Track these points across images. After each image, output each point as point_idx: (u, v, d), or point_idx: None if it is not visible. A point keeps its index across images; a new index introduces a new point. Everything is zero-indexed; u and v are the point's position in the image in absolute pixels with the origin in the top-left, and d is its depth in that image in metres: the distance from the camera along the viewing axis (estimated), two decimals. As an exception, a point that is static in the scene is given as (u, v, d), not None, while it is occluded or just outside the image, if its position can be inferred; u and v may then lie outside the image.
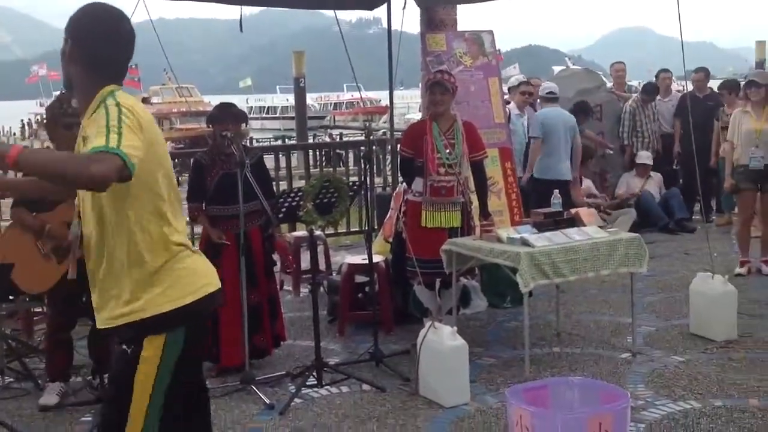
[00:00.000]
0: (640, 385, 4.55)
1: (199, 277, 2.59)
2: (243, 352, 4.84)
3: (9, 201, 5.47)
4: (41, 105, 52.43)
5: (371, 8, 7.68)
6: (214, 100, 41.42)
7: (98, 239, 2.50)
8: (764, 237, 6.98)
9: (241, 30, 7.11)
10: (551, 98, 8.03)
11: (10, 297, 5.04)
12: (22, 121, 52.06)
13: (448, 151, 5.23)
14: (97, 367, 4.76)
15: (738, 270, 6.86)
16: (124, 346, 2.51)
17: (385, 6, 7.69)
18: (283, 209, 4.94)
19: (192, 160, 5.22)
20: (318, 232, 7.05)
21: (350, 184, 5.32)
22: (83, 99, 2.52)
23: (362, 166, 5.44)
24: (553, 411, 3.17)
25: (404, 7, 7.59)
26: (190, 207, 5.04)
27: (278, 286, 7.07)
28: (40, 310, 5.76)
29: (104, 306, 2.55)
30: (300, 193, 4.87)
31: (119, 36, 2.53)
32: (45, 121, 4.78)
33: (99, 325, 2.60)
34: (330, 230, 5.30)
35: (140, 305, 2.47)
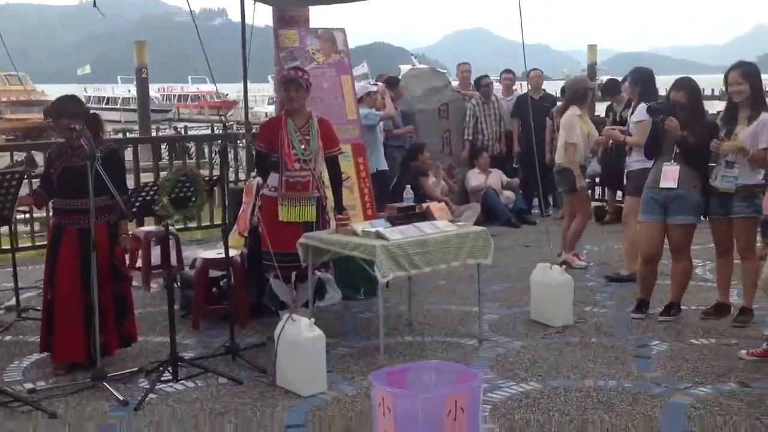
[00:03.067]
0: (486, 369, 4.81)
1: None
2: (84, 350, 4.79)
3: None
4: None
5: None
6: (48, 89, 39.49)
7: None
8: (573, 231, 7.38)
9: (95, 5, 6.81)
10: None
11: None
12: None
13: (303, 146, 5.31)
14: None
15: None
16: None
17: (230, -2, 7.65)
18: (138, 203, 4.87)
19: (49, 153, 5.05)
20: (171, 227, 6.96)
21: (206, 178, 5.30)
22: None
23: (220, 159, 5.40)
24: (412, 391, 3.35)
25: (255, 3, 7.60)
26: (35, 192, 4.91)
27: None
28: None
29: None
30: (155, 188, 4.81)
31: None
32: None
33: None
34: (180, 225, 5.26)
35: None
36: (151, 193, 4.90)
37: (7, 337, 5.62)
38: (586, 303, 6.21)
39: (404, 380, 3.47)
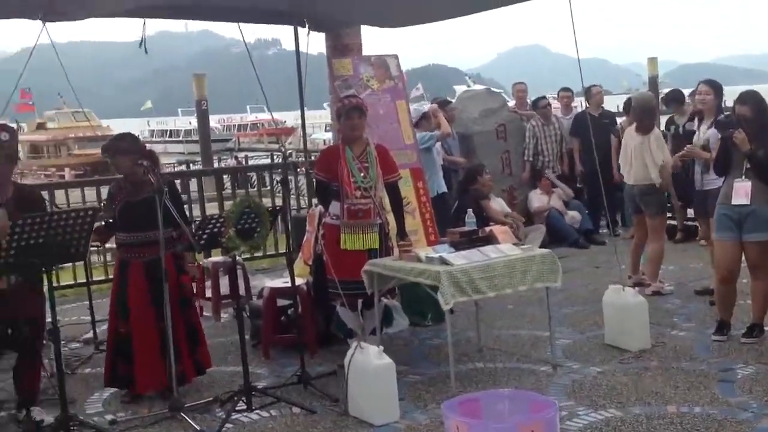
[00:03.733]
0: (562, 396, 4.72)
1: None
2: (162, 379, 4.89)
3: None
4: None
5: (275, 23, 7.75)
6: (112, 124, 40.60)
7: None
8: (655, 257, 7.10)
9: (142, 45, 7.02)
10: None
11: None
12: None
13: (362, 174, 5.35)
14: (21, 400, 4.67)
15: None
16: None
17: (284, 27, 7.80)
18: (205, 236, 4.97)
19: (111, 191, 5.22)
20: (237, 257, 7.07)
21: (269, 208, 5.37)
22: None
23: (282, 189, 5.48)
24: (487, 422, 3.32)
25: (308, 33, 7.73)
26: (97, 228, 5.03)
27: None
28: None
29: None
30: (221, 219, 4.90)
31: None
32: None
33: None
34: (246, 255, 5.36)
35: None
36: (218, 225, 4.99)
37: (87, 370, 5.76)
38: (664, 325, 6.05)
39: (478, 409, 3.44)
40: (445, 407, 3.37)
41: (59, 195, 8.41)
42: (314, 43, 7.95)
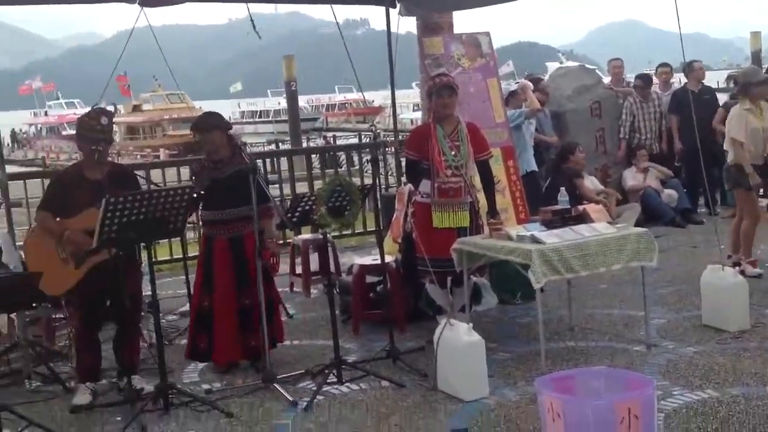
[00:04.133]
0: (657, 376, 4.63)
1: None
2: (240, 352, 5.13)
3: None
4: (35, 115, 52.48)
5: (371, 4, 7.76)
6: (204, 106, 41.54)
7: None
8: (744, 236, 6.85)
9: (254, 27, 7.15)
10: None
11: (33, 305, 5.13)
12: (12, 130, 51.89)
13: (453, 153, 5.33)
14: (122, 369, 4.87)
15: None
16: None
17: (372, 7, 7.80)
18: (297, 213, 5.06)
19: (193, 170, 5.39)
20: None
21: (360, 186, 5.42)
22: None
23: (372, 168, 5.52)
24: (583, 398, 3.29)
25: (399, 13, 7.71)
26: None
27: (289, 288, 7.24)
28: (61, 316, 5.86)
29: None
30: (313, 198, 4.98)
31: None
32: (76, 132, 4.92)
33: None
34: (336, 232, 5.44)
35: None
36: (309, 203, 5.08)
37: (183, 341, 5.94)
38: (764, 305, 5.85)
39: (572, 386, 3.41)
40: (539, 383, 3.35)
41: (155, 174, 8.67)
42: (404, 22, 7.95)
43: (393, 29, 7.75)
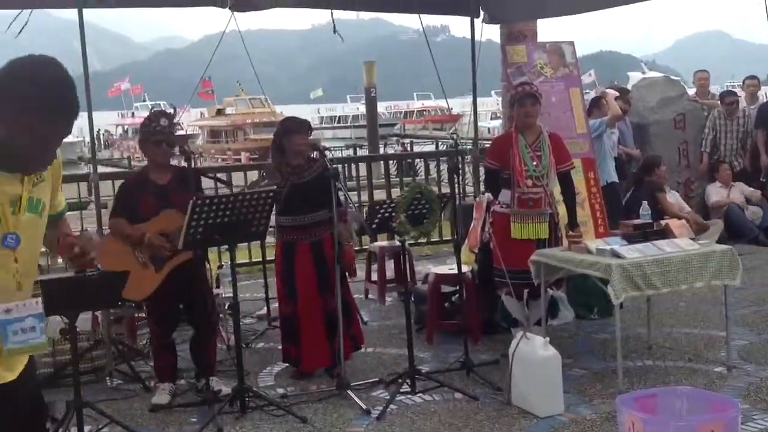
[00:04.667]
0: (737, 399, 4.49)
1: None
2: (327, 357, 5.11)
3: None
4: (122, 116, 54.14)
5: (456, 14, 7.76)
6: (285, 111, 42.17)
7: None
8: None
9: (334, 31, 7.24)
10: None
11: (118, 303, 5.28)
12: (98, 131, 53.32)
13: (535, 163, 5.28)
14: (199, 370, 4.98)
15: None
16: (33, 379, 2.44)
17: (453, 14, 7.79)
18: (376, 220, 5.09)
19: (264, 171, 5.37)
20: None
21: (439, 195, 5.42)
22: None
23: (451, 176, 5.52)
24: (665, 418, 3.22)
25: (483, 21, 7.69)
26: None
27: (364, 294, 7.28)
28: (143, 315, 6.02)
29: None
30: (393, 205, 5.00)
31: None
32: (141, 137, 5.01)
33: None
34: (414, 240, 5.45)
35: None
36: (389, 210, 5.10)
37: (260, 344, 6.06)
38: None
39: (653, 405, 3.34)
40: (620, 401, 3.29)
41: (237, 176, 8.82)
42: (486, 30, 7.93)
43: (476, 37, 7.74)
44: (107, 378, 5.27)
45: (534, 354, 4.45)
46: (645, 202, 5.70)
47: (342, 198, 5.04)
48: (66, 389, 4.84)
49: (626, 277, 4.60)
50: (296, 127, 5.19)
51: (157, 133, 4.87)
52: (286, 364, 5.41)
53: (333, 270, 4.93)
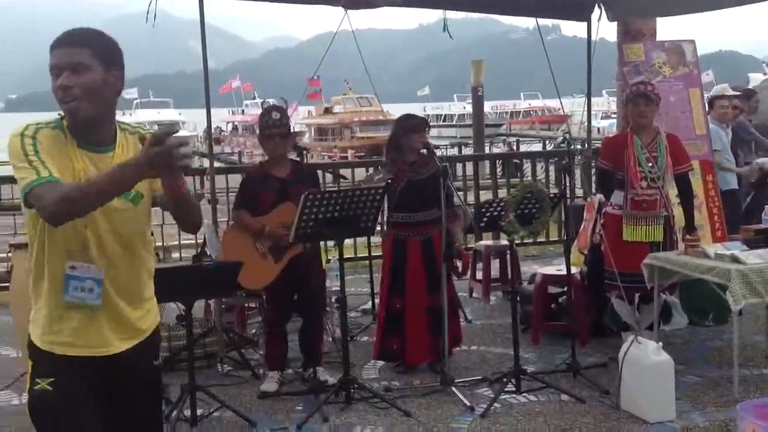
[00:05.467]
0: None
1: None
2: (430, 353, 5.10)
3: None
4: (232, 113, 55.68)
5: (579, 19, 7.62)
6: (391, 109, 42.46)
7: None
8: None
9: (445, 30, 7.24)
10: None
11: (231, 293, 5.44)
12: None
13: (650, 164, 5.15)
14: (307, 360, 5.08)
15: None
16: (155, 362, 2.64)
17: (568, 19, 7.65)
18: (485, 218, 5.07)
19: (379, 166, 5.43)
20: (505, 242, 7.13)
21: (551, 195, 5.35)
22: (112, 128, 2.45)
23: (563, 176, 5.45)
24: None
25: (599, 19, 7.53)
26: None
27: (468, 293, 7.26)
28: (253, 305, 6.20)
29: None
30: (502, 204, 4.97)
31: None
32: (258, 131, 5.13)
33: (136, 342, 2.54)
34: (524, 239, 5.42)
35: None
36: (498, 209, 5.07)
37: (364, 338, 6.12)
38: None
39: (773, 415, 3.21)
40: (741, 408, 3.19)
41: (344, 173, 8.91)
42: (599, 28, 7.76)
43: (585, 35, 7.58)
44: (218, 364, 5.44)
45: (646, 358, 4.34)
46: (767, 207, 5.47)
47: (454, 197, 5.05)
48: (180, 373, 5.05)
49: (746, 282, 4.43)
50: (416, 124, 5.24)
51: (270, 126, 5.00)
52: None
53: (441, 268, 4.94)
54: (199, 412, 4.43)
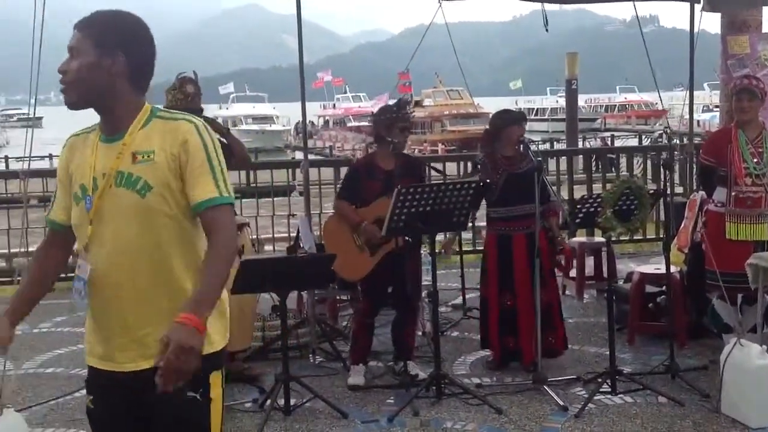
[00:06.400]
0: None
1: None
2: (535, 350, 4.96)
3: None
4: (323, 108, 56.28)
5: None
6: (483, 102, 42.11)
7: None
8: None
9: (545, 23, 7.14)
10: None
11: (325, 285, 5.50)
12: (298, 122, 55.27)
13: (755, 160, 4.96)
14: (398, 354, 5.09)
15: None
16: (191, 393, 2.17)
17: (663, 3, 7.43)
18: (581, 214, 4.96)
19: (478, 163, 5.36)
20: (600, 239, 6.99)
21: (650, 191, 5.20)
22: (125, 115, 2.24)
23: (664, 172, 5.29)
24: None
25: (703, 9, 7.29)
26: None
27: (560, 291, 7.13)
28: (345, 297, 6.25)
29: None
30: (599, 199, 4.86)
31: (153, 45, 2.31)
32: (385, 122, 5.05)
33: (142, 366, 2.19)
34: (622, 237, 5.28)
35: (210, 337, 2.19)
36: (594, 204, 4.96)
37: (454, 333, 6.09)
38: None
39: None
40: None
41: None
42: (700, 20, 7.52)
43: (684, 27, 7.36)
44: (310, 355, 5.50)
45: (749, 362, 4.18)
46: None
47: (550, 192, 4.97)
48: (273, 362, 5.15)
49: None
50: (514, 117, 5.22)
51: (406, 119, 5.02)
52: (481, 354, 5.41)
53: (548, 262, 4.90)
54: (292, 402, 4.50)
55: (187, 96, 4.86)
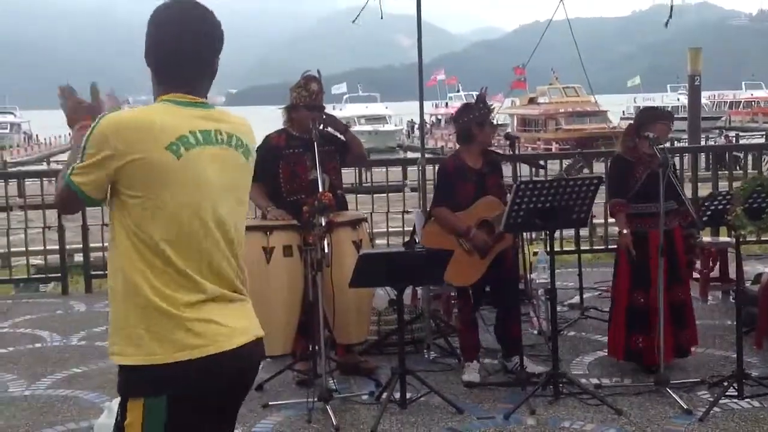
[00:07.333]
0: None
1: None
2: (675, 349, 4.89)
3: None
4: (436, 106, 56.28)
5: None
6: (599, 100, 41.11)
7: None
8: None
9: (670, 17, 6.93)
10: None
11: (440, 281, 5.50)
12: (410, 120, 55.23)
13: None
14: (504, 350, 5.05)
15: None
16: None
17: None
18: (708, 212, 4.78)
19: (614, 158, 5.24)
20: (725, 239, 6.72)
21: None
22: None
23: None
24: None
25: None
26: (611, 203, 5.10)
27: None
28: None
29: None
30: (728, 197, 4.67)
31: (167, 38, 2.21)
32: (477, 119, 5.02)
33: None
34: (752, 237, 5.04)
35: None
36: (723, 202, 4.77)
37: (571, 333, 5.99)
38: None
39: None
40: None
41: (551, 165, 8.71)
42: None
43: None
44: (425, 350, 5.51)
45: None
46: None
47: (680, 191, 4.83)
48: (388, 356, 5.20)
49: None
50: (664, 114, 5.16)
51: (491, 113, 5.02)
52: (600, 354, 5.30)
53: (682, 261, 4.78)
54: (408, 395, 4.53)
55: (311, 93, 4.98)
